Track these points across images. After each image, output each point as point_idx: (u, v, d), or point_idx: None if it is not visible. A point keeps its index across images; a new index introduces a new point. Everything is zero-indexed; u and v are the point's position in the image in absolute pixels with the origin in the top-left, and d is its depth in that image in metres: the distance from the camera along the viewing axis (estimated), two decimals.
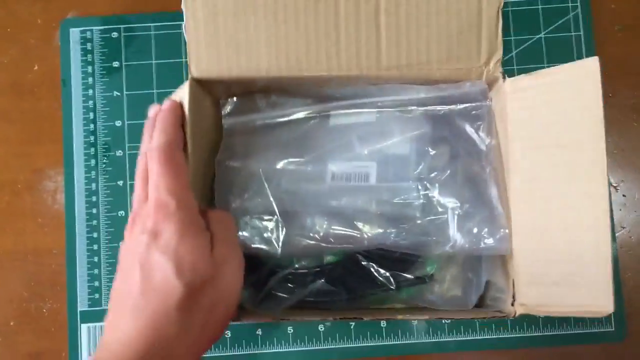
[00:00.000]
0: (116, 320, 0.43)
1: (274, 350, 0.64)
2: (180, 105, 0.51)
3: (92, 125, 0.66)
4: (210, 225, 0.48)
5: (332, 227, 0.55)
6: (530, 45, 0.66)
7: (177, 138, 0.49)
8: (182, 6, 0.51)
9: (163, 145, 0.47)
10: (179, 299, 0.42)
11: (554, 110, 0.48)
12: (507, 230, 0.52)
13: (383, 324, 0.64)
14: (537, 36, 0.66)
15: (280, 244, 0.55)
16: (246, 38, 0.52)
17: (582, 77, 0.46)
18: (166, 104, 0.51)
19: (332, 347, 0.64)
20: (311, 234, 0.55)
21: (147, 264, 0.43)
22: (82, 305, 0.64)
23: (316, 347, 0.64)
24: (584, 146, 0.46)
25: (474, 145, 0.56)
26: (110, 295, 0.45)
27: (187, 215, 0.45)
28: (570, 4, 0.66)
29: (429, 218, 0.55)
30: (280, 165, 0.57)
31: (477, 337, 0.64)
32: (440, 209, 0.55)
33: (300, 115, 0.58)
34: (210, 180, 0.58)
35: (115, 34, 0.67)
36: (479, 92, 0.55)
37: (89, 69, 0.67)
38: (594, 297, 0.45)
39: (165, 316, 0.42)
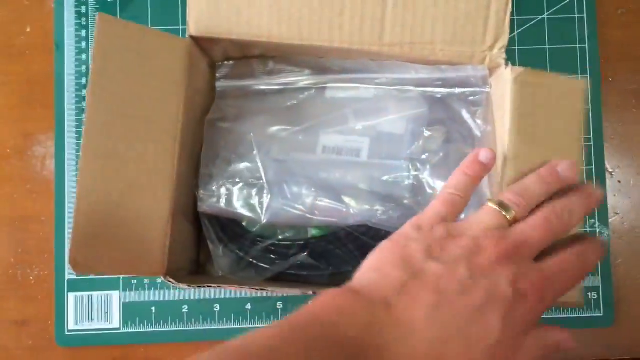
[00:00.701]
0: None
1: (262, 325, 0.63)
2: None
3: (84, 91, 0.65)
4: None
5: (319, 199, 0.54)
6: (532, 26, 0.65)
7: None
8: None
9: None
10: None
11: (550, 114, 0.48)
12: None
13: None
14: (540, 17, 0.65)
15: (264, 211, 0.54)
16: (249, 0, 0.51)
17: (571, 95, 0.48)
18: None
19: None
20: (297, 205, 0.54)
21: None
22: (70, 274, 0.64)
23: None
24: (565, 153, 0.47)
25: (469, 131, 0.56)
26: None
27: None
28: None
29: (417, 199, 0.54)
30: (271, 132, 0.57)
31: None
32: (429, 191, 0.55)
33: (297, 84, 0.58)
34: (199, 140, 0.57)
35: None
36: (480, 78, 0.55)
37: (83, 33, 0.65)
38: None
39: None
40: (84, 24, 0.65)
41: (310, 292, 0.51)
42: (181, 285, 0.49)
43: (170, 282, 0.50)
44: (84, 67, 0.65)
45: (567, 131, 0.48)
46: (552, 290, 0.40)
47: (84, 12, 0.65)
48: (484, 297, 0.38)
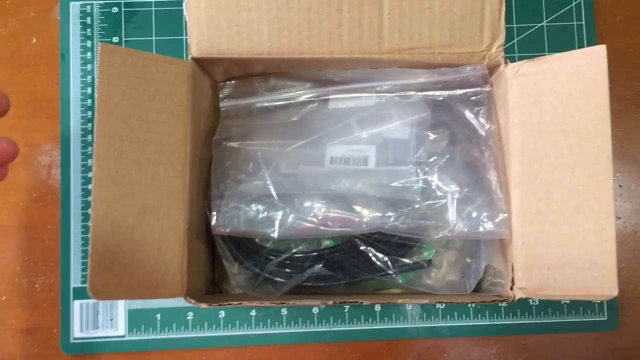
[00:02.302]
0: None
1: (267, 332, 0.64)
2: None
3: (89, 101, 0.65)
4: None
5: (331, 210, 0.54)
6: (532, 33, 0.66)
7: None
8: None
9: None
10: None
11: (557, 97, 0.48)
12: (506, 215, 0.52)
13: (377, 307, 0.64)
14: (539, 24, 0.66)
15: (277, 226, 0.55)
16: (248, 18, 0.52)
17: (589, 64, 0.46)
18: None
19: (325, 329, 0.64)
20: (309, 217, 0.54)
21: None
22: (75, 282, 0.64)
23: (309, 329, 0.64)
24: (588, 132, 0.46)
25: (474, 131, 0.56)
26: None
27: None
28: None
29: (428, 202, 0.55)
30: (277, 147, 0.57)
31: (470, 323, 0.64)
32: (439, 193, 0.55)
33: (299, 98, 0.58)
34: (207, 162, 0.58)
35: (115, 9, 0.67)
36: (480, 77, 0.55)
37: (88, 43, 0.66)
38: (598, 281, 0.45)
39: None
40: (89, 34, 0.66)
41: (330, 303, 0.51)
42: (202, 305, 0.49)
43: (190, 302, 0.49)
44: (89, 77, 0.66)
45: (589, 111, 0.47)
46: None
47: (89, 23, 0.66)
48: None
